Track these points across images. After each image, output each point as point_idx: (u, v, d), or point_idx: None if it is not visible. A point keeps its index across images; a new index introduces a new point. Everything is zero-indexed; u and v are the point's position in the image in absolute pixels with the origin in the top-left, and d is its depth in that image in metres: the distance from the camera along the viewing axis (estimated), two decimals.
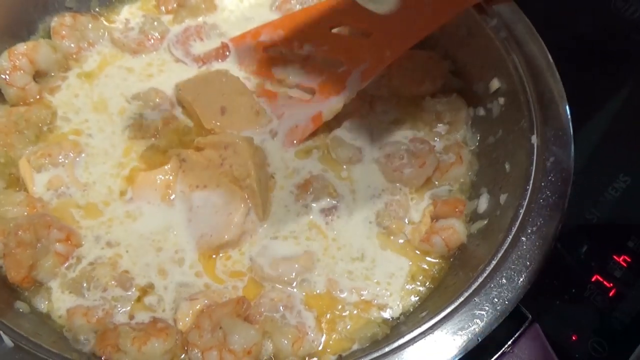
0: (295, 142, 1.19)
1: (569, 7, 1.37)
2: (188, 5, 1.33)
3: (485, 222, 1.06)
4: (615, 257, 1.12)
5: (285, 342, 0.96)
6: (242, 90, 1.23)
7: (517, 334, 0.94)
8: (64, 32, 1.25)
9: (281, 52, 1.25)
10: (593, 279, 1.10)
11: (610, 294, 1.09)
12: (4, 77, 1.17)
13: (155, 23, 1.30)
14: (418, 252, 1.08)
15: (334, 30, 1.19)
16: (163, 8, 1.34)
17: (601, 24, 1.40)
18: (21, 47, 1.19)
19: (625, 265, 1.11)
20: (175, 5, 1.34)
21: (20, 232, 1.00)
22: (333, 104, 1.16)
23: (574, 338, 1.05)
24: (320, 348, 0.99)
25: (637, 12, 1.34)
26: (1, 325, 0.89)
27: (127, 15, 1.35)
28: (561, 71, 1.11)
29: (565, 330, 1.04)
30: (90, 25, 1.28)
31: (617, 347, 1.04)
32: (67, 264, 1.05)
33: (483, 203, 1.09)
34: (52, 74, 1.24)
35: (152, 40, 1.29)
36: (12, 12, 1.22)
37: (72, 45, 1.26)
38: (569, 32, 1.37)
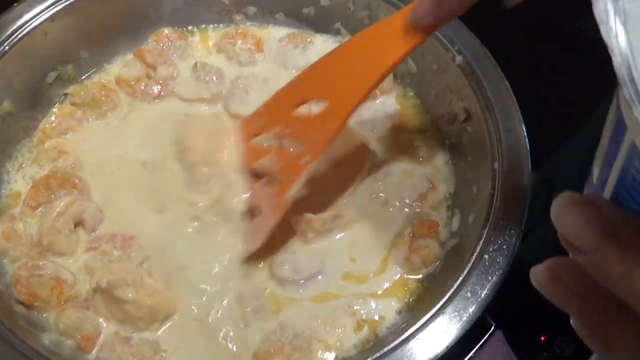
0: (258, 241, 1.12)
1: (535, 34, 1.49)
2: None
3: (457, 240, 1.19)
4: None
5: None
6: None
7: (481, 342, 1.07)
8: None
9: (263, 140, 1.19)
10: None
11: None
12: None
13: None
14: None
15: (298, 110, 1.14)
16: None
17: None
18: None
19: None
20: None
21: None
22: (292, 189, 1.10)
23: (542, 339, 1.18)
24: None
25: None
26: None
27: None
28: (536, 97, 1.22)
29: (531, 334, 1.17)
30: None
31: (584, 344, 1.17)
32: None
33: (455, 223, 1.23)
34: None
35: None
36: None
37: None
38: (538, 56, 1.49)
